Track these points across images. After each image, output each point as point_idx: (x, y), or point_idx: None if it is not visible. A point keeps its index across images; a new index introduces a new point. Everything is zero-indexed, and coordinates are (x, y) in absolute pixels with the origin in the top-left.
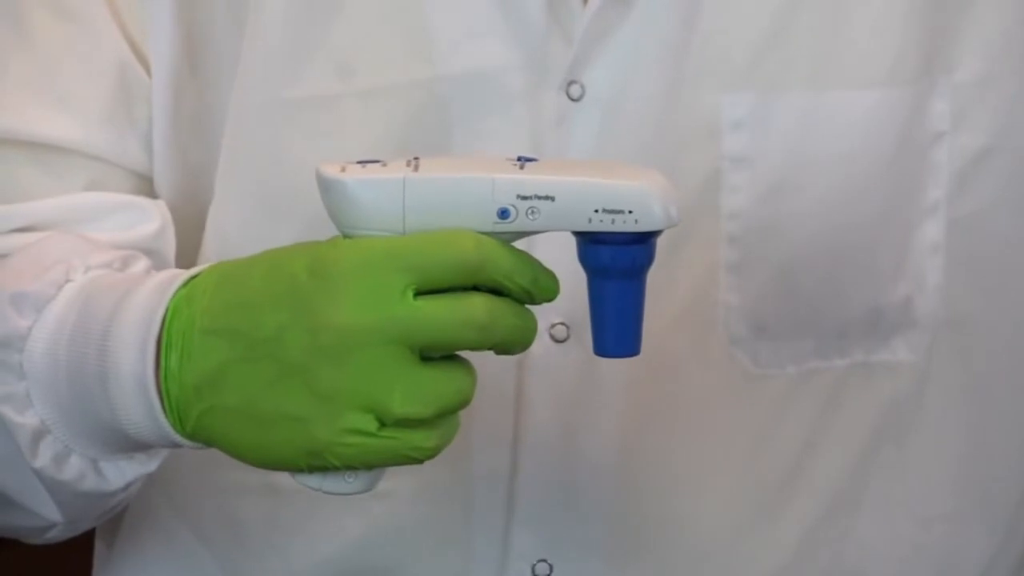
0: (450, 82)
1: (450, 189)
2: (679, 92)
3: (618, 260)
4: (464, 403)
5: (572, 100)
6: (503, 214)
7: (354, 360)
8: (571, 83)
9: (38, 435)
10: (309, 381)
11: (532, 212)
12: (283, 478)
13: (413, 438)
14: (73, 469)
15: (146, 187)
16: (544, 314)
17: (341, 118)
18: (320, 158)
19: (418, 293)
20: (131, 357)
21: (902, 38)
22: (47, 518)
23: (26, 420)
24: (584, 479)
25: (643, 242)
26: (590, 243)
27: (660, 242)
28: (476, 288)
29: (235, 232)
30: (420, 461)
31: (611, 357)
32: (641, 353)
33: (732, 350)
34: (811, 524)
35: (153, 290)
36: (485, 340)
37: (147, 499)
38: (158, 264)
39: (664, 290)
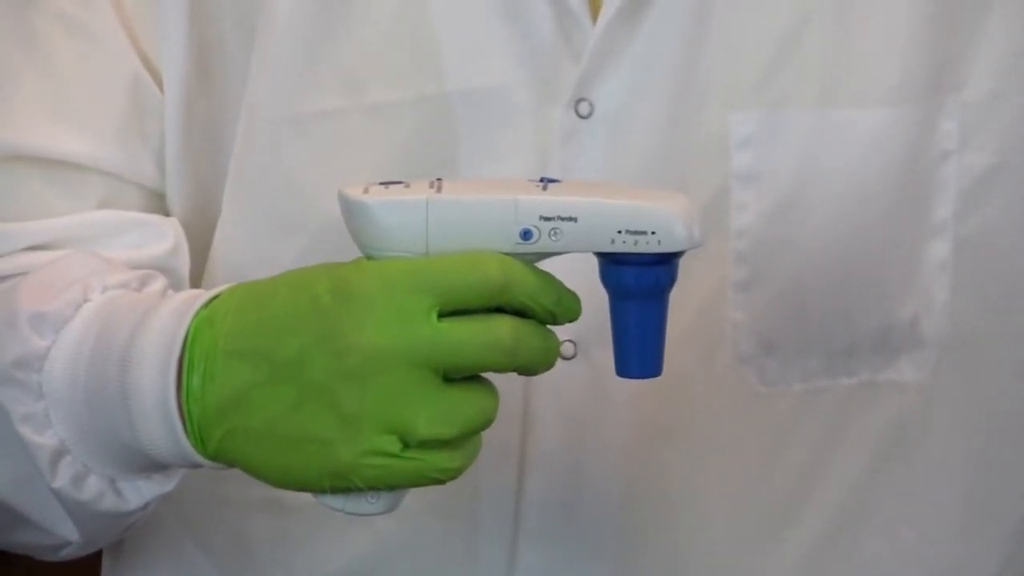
0: (458, 98)
1: (473, 210)
2: (687, 110)
3: (641, 281)
4: (487, 423)
5: (581, 117)
6: (526, 235)
7: (378, 382)
8: (580, 100)
9: (57, 455)
10: (333, 403)
11: (555, 233)
12: (289, 494)
13: (437, 459)
14: (91, 489)
15: (158, 204)
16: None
17: (349, 134)
18: (328, 174)
19: (442, 315)
20: (152, 378)
21: (910, 57)
22: (64, 537)
23: (45, 440)
24: (591, 496)
25: (666, 263)
26: (612, 264)
27: None
28: (500, 309)
29: (243, 246)
30: (443, 482)
31: (634, 378)
32: None
33: (739, 368)
34: (817, 541)
35: (173, 311)
36: (510, 362)
37: (154, 511)
38: (173, 282)
39: (672, 307)
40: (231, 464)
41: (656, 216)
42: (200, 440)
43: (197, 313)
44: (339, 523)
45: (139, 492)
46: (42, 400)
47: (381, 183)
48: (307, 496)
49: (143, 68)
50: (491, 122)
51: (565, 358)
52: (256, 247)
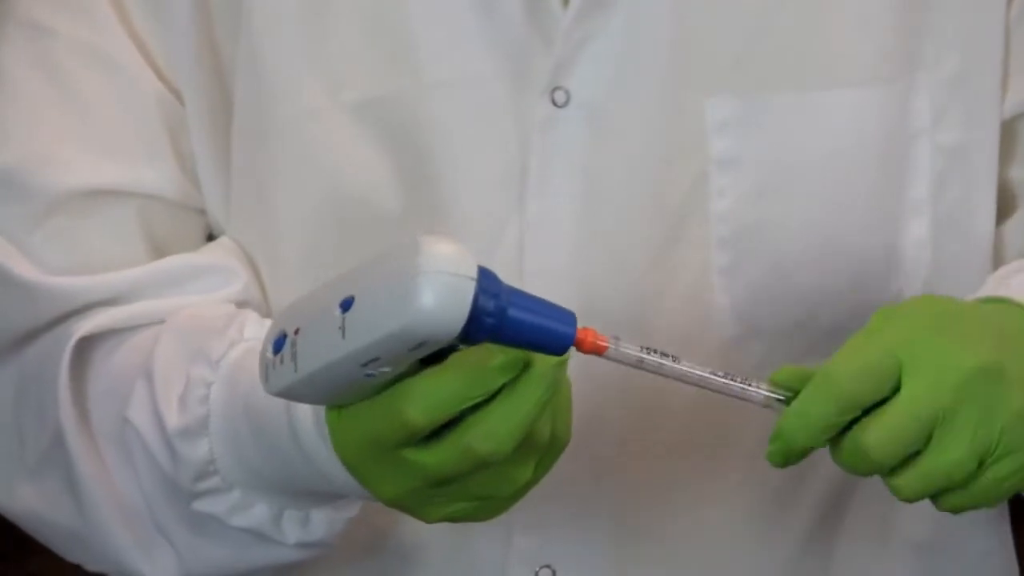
0: (435, 92)
1: (315, 383)
2: (664, 96)
3: (479, 335)
4: (498, 452)
5: (557, 106)
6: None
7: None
8: (555, 89)
9: (276, 520)
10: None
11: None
12: None
13: (505, 474)
14: (316, 524)
15: (200, 220)
16: None
17: (330, 132)
18: (313, 171)
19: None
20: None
21: (883, 36)
22: (308, 553)
23: (260, 517)
24: (585, 485)
25: (472, 320)
26: (463, 343)
27: (652, 245)
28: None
29: (248, 251)
30: (520, 494)
31: (571, 344)
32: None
33: (726, 353)
34: (808, 530)
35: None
36: (501, 450)
37: None
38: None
39: (657, 293)
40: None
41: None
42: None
43: None
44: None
45: (330, 523)
46: (232, 492)
47: None
48: None
49: (163, 86)
50: (470, 114)
51: None
52: (255, 252)
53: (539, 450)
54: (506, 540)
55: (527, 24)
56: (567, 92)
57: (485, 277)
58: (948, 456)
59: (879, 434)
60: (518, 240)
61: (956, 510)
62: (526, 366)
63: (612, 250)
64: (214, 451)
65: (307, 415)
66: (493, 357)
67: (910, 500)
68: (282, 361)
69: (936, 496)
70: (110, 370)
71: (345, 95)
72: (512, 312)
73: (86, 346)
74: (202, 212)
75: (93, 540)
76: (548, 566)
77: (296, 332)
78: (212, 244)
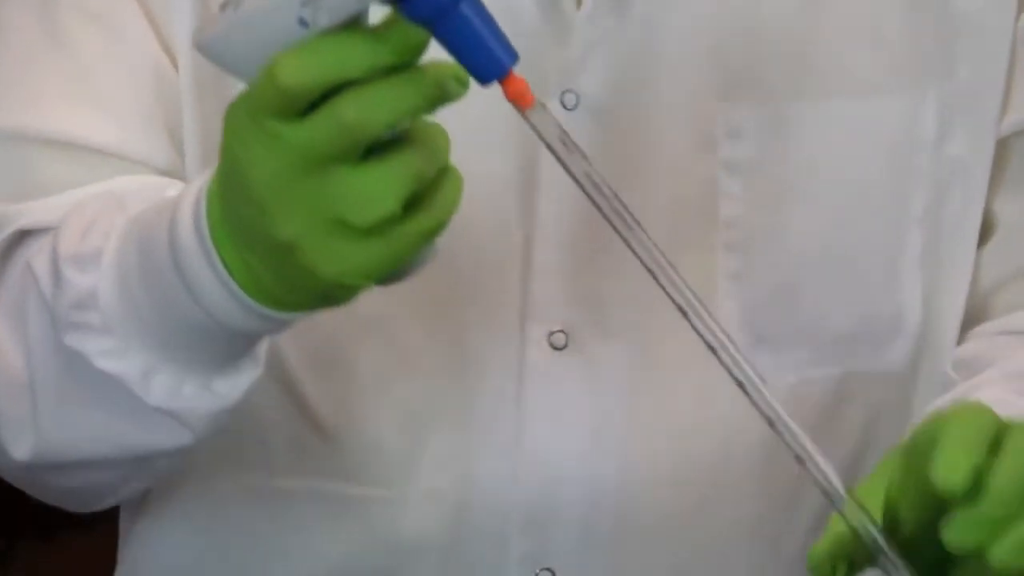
0: None
1: (251, 29)
2: (675, 100)
3: (423, 6)
4: (419, 179)
5: (567, 109)
6: (302, 23)
7: (285, 205)
8: (565, 92)
9: (147, 375)
10: (280, 234)
11: (319, 9)
12: (282, 480)
13: (409, 228)
14: (189, 395)
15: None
16: (543, 322)
17: None
18: None
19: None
20: (190, 236)
21: (895, 47)
22: (178, 443)
23: (128, 367)
24: (584, 487)
25: None
26: (401, 6)
27: None
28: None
29: None
30: (431, 238)
31: (492, 81)
32: (641, 358)
33: None
34: (808, 533)
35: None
36: (375, 125)
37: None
38: None
39: (663, 297)
40: (269, 296)
41: None
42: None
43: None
44: (335, 514)
45: (234, 386)
46: (112, 335)
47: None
48: (300, 486)
49: (164, 56)
50: (478, 115)
51: (556, 348)
52: None
53: (412, 172)
54: (504, 542)
55: (539, 25)
56: (576, 95)
57: None
58: None
59: None
60: (526, 241)
61: None
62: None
63: (619, 253)
64: (100, 286)
65: (187, 221)
66: (392, 30)
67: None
68: (224, 9)
69: None
70: (28, 253)
71: None
72: (464, 8)
73: (16, 240)
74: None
75: None
76: (548, 568)
77: None
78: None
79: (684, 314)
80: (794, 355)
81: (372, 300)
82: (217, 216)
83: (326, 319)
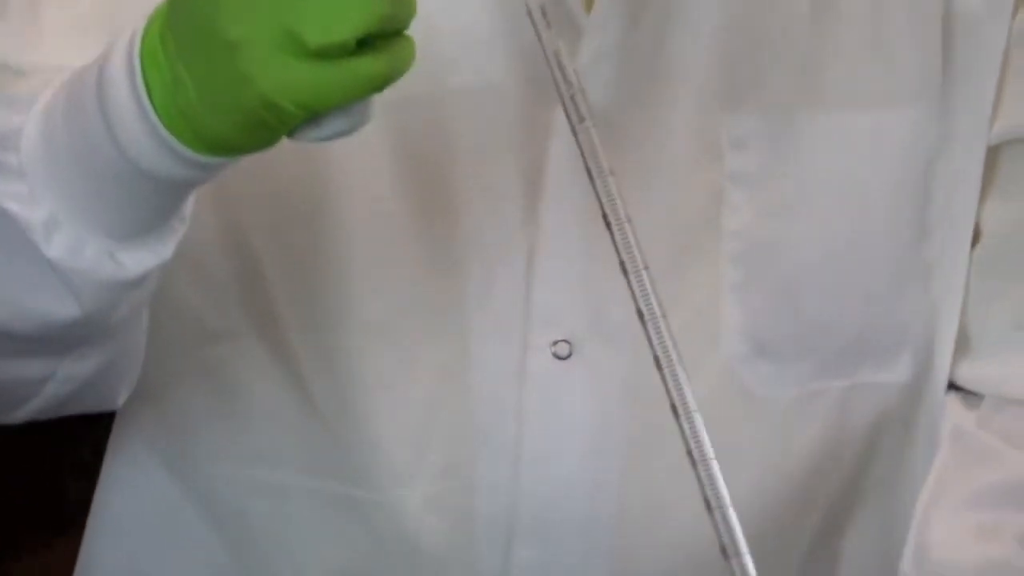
0: (452, 98)
1: None
2: (682, 110)
3: None
4: (387, 21)
5: None
6: None
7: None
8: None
9: (49, 227)
10: (226, 35)
11: None
12: (290, 479)
13: (357, 67)
14: (89, 258)
15: None
16: (546, 331)
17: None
18: (325, 171)
19: None
20: (122, 78)
21: (902, 60)
22: (64, 314)
23: (35, 214)
24: (586, 494)
25: None
26: None
27: (662, 259)
28: None
29: None
30: (377, 90)
31: None
32: (644, 369)
33: (735, 371)
34: (811, 543)
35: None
36: None
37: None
38: None
39: (667, 307)
40: (193, 132)
41: None
42: (168, 120)
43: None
44: (337, 518)
45: (137, 261)
46: (25, 179)
47: None
48: (307, 485)
49: None
50: (485, 122)
51: (560, 358)
52: None
53: (378, 12)
54: (507, 549)
55: (549, 32)
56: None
57: None
58: None
59: None
60: (529, 248)
61: None
62: None
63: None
64: (26, 128)
65: (120, 49)
66: None
67: None
68: None
69: None
70: None
71: None
72: None
73: None
74: None
75: None
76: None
77: None
78: None
79: (641, 319)
80: (797, 367)
81: (375, 305)
82: (158, 27)
83: (329, 320)
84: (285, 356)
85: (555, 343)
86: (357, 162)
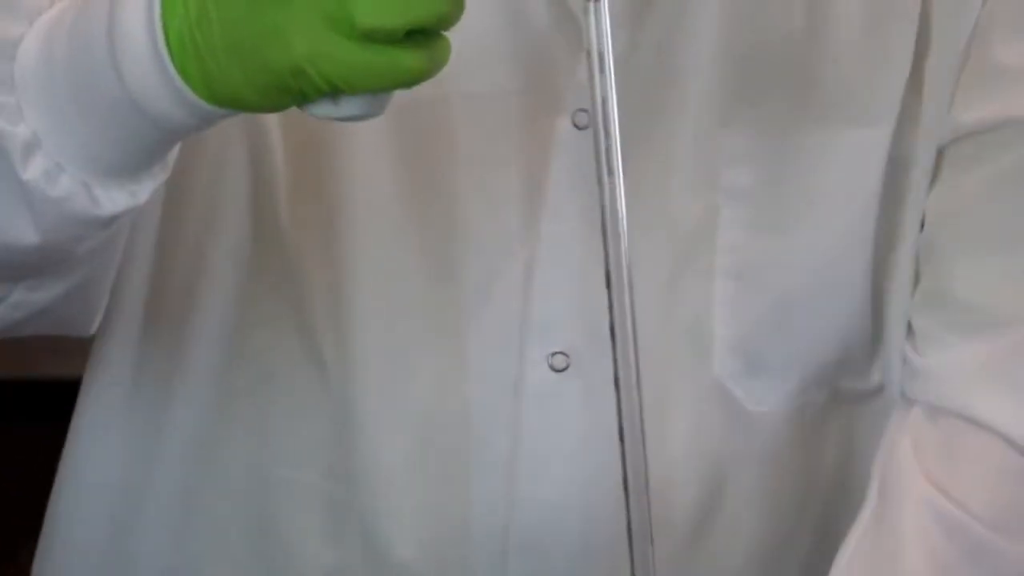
0: (457, 103)
1: None
2: (681, 124)
3: None
4: (440, 19)
5: (578, 128)
6: None
7: None
8: (578, 111)
9: (29, 147)
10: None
11: None
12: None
13: (397, 55)
14: (63, 187)
15: None
16: (544, 343)
17: (348, 136)
18: (325, 172)
19: None
20: (139, 16)
21: (894, 77)
22: (21, 237)
23: (17, 130)
24: (581, 507)
25: None
26: None
27: (659, 273)
28: None
29: None
30: (409, 84)
31: None
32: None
33: (725, 385)
34: (810, 554)
35: None
36: None
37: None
38: None
39: (659, 322)
40: (209, 85)
41: None
42: (185, 72)
43: None
44: (333, 527)
45: (112, 200)
46: (14, 91)
47: None
48: (310, 481)
49: None
50: (489, 129)
51: (556, 371)
52: None
53: (432, 11)
54: (503, 562)
55: (554, 44)
56: (588, 114)
57: None
58: None
59: None
60: (528, 258)
61: None
62: None
63: None
64: (26, 41)
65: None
66: None
67: None
68: None
69: None
70: None
71: None
72: None
73: None
74: None
75: None
76: None
77: None
78: None
79: (612, 335)
80: (785, 383)
81: (373, 310)
82: None
83: (327, 324)
84: (311, 335)
85: (552, 355)
86: (358, 165)
